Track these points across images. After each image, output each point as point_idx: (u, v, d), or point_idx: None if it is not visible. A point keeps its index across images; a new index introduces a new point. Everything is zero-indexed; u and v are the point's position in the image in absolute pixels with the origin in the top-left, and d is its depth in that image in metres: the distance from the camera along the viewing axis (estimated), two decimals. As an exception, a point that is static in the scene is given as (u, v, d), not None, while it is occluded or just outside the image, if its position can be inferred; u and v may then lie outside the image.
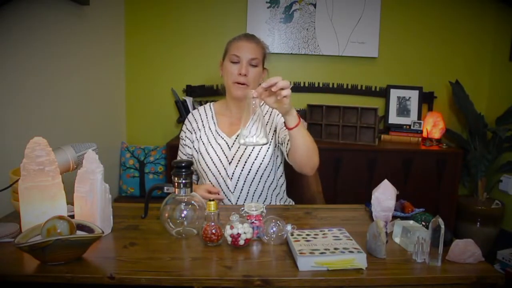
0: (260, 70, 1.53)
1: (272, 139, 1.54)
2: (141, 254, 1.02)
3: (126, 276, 0.91)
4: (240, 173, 1.51)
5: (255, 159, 1.51)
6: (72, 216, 1.10)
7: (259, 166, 1.51)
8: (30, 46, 1.80)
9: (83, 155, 1.16)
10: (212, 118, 1.62)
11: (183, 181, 1.12)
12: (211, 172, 1.53)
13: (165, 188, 1.15)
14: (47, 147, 1.07)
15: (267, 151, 1.53)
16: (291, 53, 2.89)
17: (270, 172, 1.54)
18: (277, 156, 1.57)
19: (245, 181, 1.52)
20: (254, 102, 1.15)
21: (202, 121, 1.62)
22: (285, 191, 1.66)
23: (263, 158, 1.51)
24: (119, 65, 2.84)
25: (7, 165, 1.36)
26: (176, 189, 1.12)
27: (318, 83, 2.95)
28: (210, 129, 1.59)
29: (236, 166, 1.51)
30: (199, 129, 1.61)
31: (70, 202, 1.16)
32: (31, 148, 1.05)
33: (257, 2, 2.82)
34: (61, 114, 2.06)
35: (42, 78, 1.90)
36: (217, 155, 1.54)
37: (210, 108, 1.65)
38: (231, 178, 1.52)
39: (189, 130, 1.63)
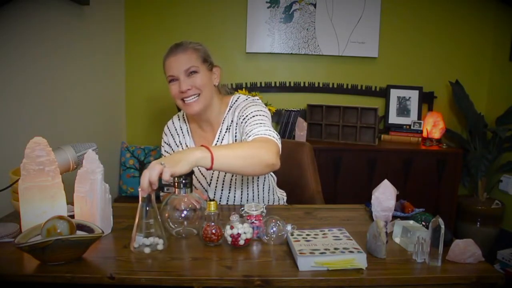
0: (205, 73, 1.37)
1: None
2: (141, 254, 1.01)
3: (126, 276, 0.91)
4: (221, 194, 1.45)
5: (234, 176, 1.42)
6: (72, 216, 1.10)
7: (242, 182, 1.44)
8: (30, 46, 1.80)
9: (83, 155, 1.16)
10: (188, 132, 1.51)
11: (183, 181, 1.11)
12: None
13: (165, 188, 1.15)
14: (47, 147, 1.07)
15: None
16: (291, 53, 2.89)
17: (253, 184, 1.47)
18: None
19: (227, 201, 1.46)
20: (146, 205, 1.02)
21: (178, 136, 1.52)
22: (273, 189, 1.57)
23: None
24: (119, 65, 2.84)
25: (7, 165, 1.36)
26: (176, 189, 1.12)
27: (318, 83, 2.95)
28: (187, 145, 1.49)
29: (216, 187, 1.44)
30: (176, 146, 1.52)
31: (70, 202, 1.16)
32: (31, 148, 1.05)
33: (257, 2, 2.82)
34: (61, 114, 2.06)
35: (41, 78, 1.89)
36: (195, 177, 1.45)
37: (184, 118, 1.53)
38: (210, 184, 1.46)
39: (167, 144, 1.54)
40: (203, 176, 1.47)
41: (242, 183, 1.46)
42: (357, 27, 2.85)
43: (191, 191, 1.14)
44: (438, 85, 2.94)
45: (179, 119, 1.55)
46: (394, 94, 2.92)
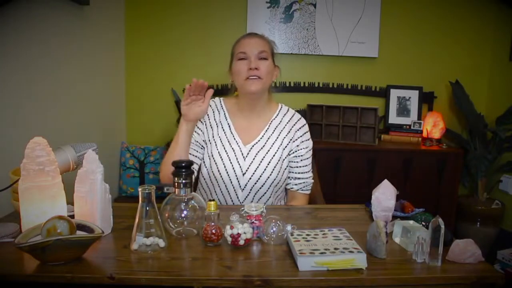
0: (271, 64, 1.47)
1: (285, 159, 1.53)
2: (141, 254, 1.02)
3: (126, 276, 0.91)
4: (253, 185, 1.48)
5: (271, 173, 1.48)
6: (72, 216, 1.10)
7: (274, 180, 1.49)
8: (30, 46, 1.80)
9: (83, 155, 1.16)
10: (226, 118, 1.54)
11: (183, 181, 1.12)
12: (223, 180, 1.48)
13: (165, 188, 1.15)
14: (47, 147, 1.07)
15: (282, 165, 1.51)
16: (291, 53, 2.89)
17: (282, 184, 1.54)
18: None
19: (256, 193, 1.50)
20: (146, 205, 1.02)
21: (214, 118, 1.53)
22: None
23: (278, 172, 1.49)
24: (119, 65, 2.84)
25: (7, 165, 1.36)
26: (176, 189, 1.12)
27: (318, 83, 2.95)
28: (223, 130, 1.52)
29: (250, 178, 1.48)
30: (211, 127, 1.53)
31: (70, 202, 1.16)
32: (31, 148, 1.05)
33: (257, 2, 2.82)
34: (61, 114, 2.06)
35: (41, 78, 1.89)
36: (230, 162, 1.48)
37: (222, 105, 1.56)
38: (243, 189, 1.49)
39: (200, 121, 1.53)
40: (238, 162, 1.49)
41: (273, 183, 1.50)
42: (357, 27, 2.85)
43: (191, 191, 1.14)
44: (438, 85, 2.94)
45: (215, 105, 1.57)
46: (394, 94, 2.92)
